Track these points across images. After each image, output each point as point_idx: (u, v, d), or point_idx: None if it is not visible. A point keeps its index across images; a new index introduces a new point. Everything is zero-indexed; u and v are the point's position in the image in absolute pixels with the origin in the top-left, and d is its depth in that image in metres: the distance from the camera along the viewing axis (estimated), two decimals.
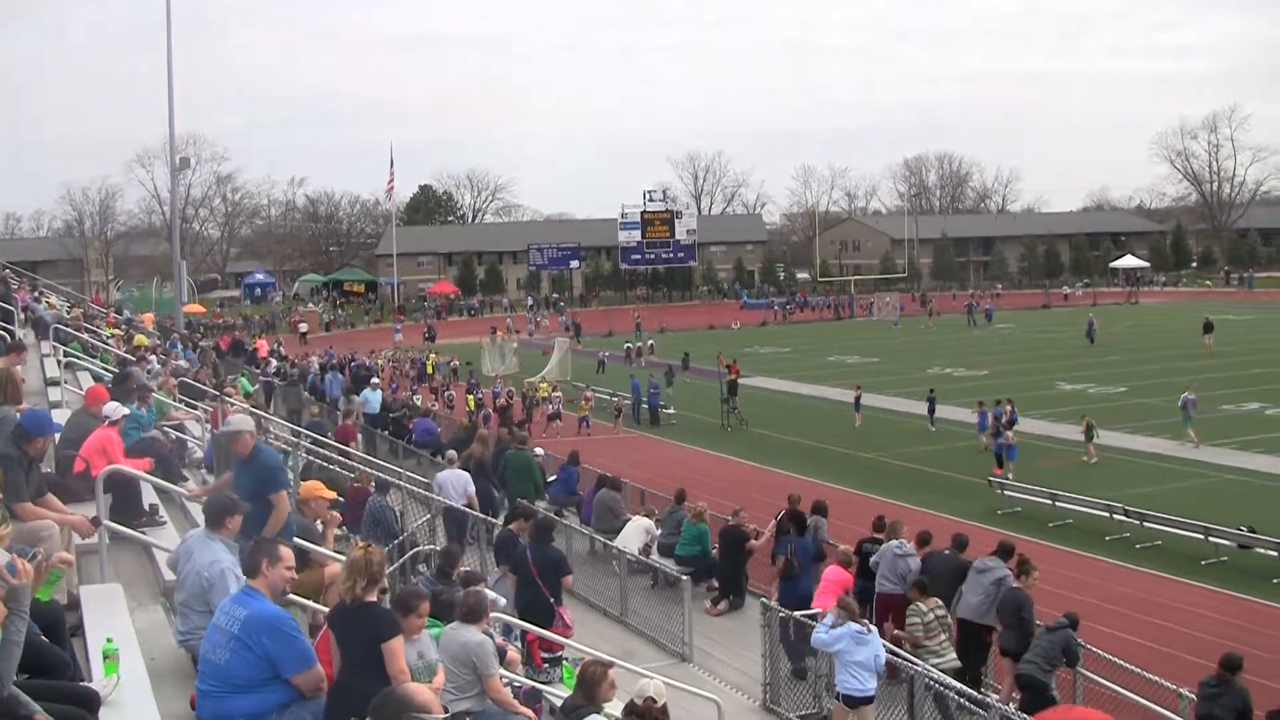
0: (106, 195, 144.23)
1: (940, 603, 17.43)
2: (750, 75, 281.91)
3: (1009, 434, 40.68)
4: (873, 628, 15.44)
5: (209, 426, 21.16)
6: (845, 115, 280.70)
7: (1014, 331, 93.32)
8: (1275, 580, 28.23)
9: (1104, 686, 16.93)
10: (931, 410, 50.94)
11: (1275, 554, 28.90)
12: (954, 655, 17.05)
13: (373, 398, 39.04)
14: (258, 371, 47.67)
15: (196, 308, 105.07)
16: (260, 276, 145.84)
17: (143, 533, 12.50)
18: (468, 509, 21.95)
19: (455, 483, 22.96)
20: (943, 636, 17.04)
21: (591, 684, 10.80)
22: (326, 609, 10.01)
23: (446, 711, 7.32)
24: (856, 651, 14.90)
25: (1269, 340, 78.96)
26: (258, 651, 7.79)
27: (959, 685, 15.11)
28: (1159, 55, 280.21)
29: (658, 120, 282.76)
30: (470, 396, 57.03)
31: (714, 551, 23.06)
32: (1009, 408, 45.60)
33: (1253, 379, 59.87)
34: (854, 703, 14.90)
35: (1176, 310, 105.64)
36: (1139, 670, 17.24)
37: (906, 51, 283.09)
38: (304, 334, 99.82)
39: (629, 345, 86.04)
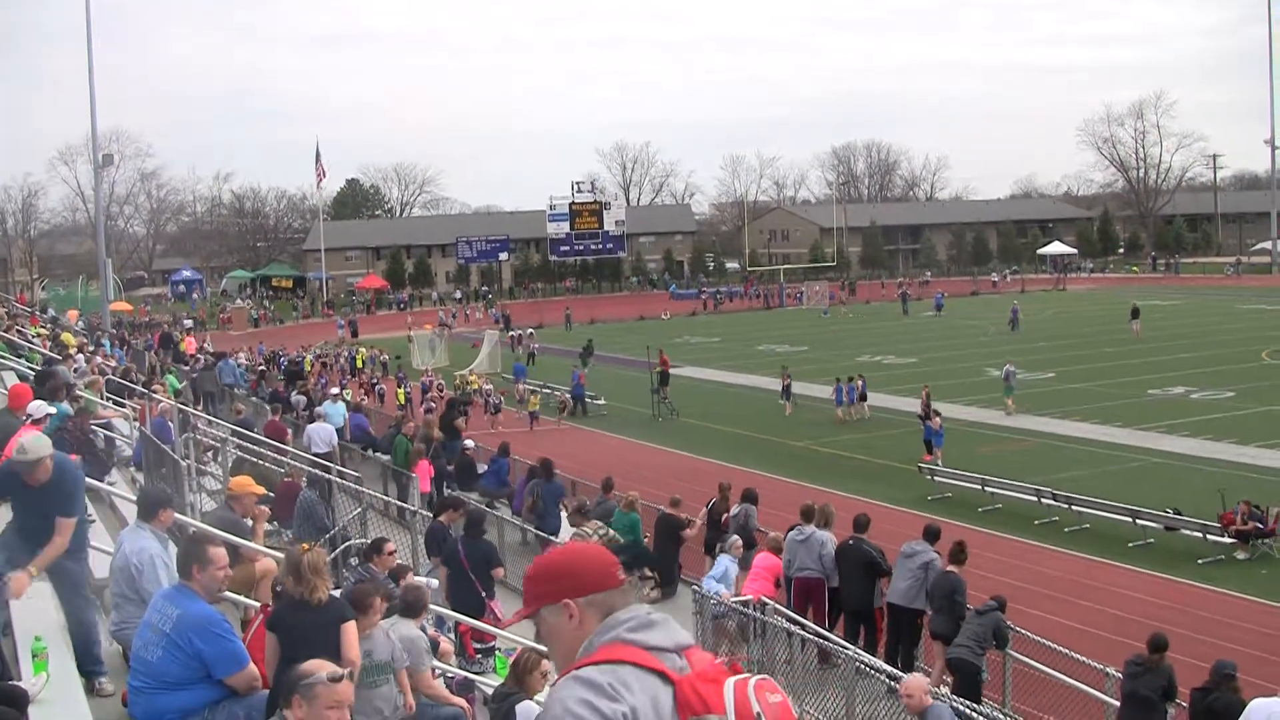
0: (29, 193, 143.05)
1: (601, 524, 19.41)
2: (678, 66, 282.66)
3: (937, 420, 40.93)
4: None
5: (137, 424, 21.03)
6: (773, 105, 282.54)
7: (942, 319, 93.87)
8: (1200, 561, 28.62)
9: (1033, 667, 17.12)
10: (786, 391, 53.98)
11: (1200, 536, 29.28)
12: None
13: (334, 411, 34.70)
14: (186, 369, 47.33)
15: (123, 306, 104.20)
16: (187, 273, 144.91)
17: None
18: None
19: (320, 434, 28.44)
20: None
21: (524, 672, 10.85)
22: (257, 604, 9.98)
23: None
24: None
25: (1194, 325, 79.97)
26: (189, 651, 7.77)
27: (889, 668, 15.24)
28: (1085, 44, 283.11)
29: (585, 112, 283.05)
30: (400, 390, 56.74)
31: (646, 539, 23.13)
32: (860, 383, 51.20)
33: (1179, 364, 60.53)
34: None
35: (1104, 296, 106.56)
36: (1067, 651, 17.44)
37: (835, 41, 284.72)
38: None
39: (513, 334, 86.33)
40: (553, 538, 22.46)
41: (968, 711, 13.19)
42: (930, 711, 12.11)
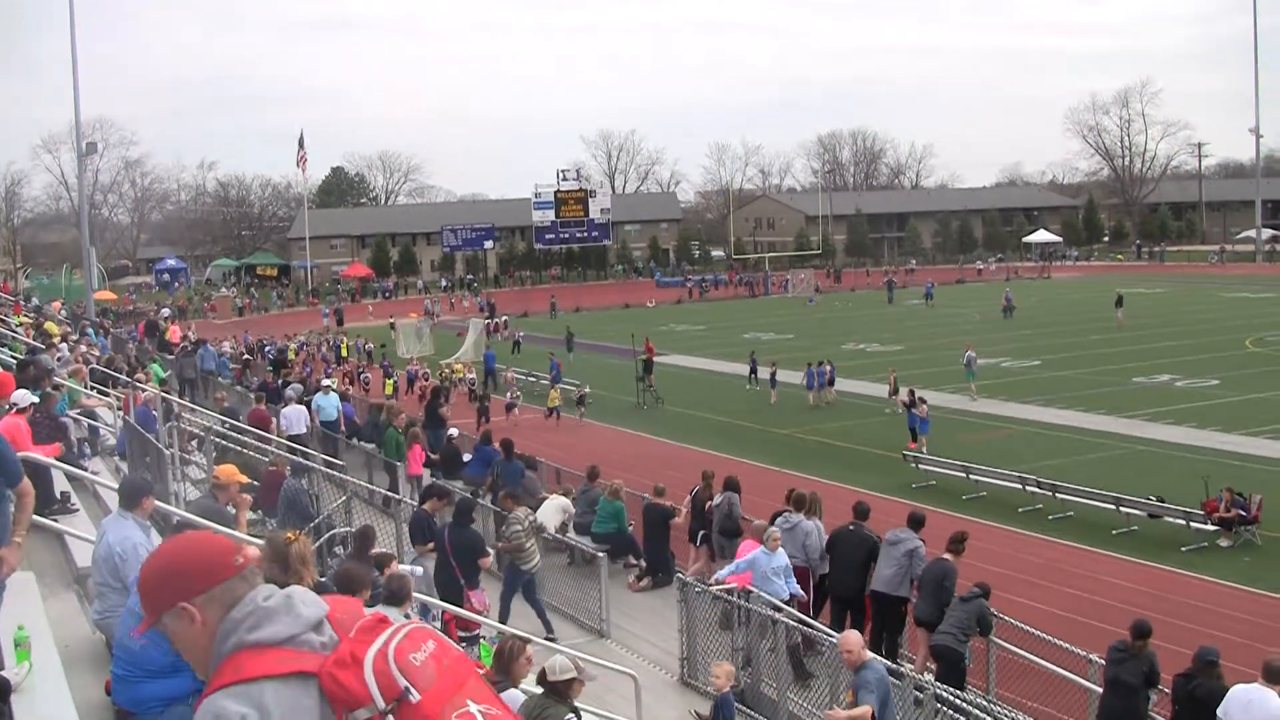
0: (12, 182, 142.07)
1: (530, 511, 19.48)
2: (663, 53, 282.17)
3: (924, 407, 41.00)
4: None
5: (121, 413, 21.00)
6: (759, 92, 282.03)
7: (928, 307, 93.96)
8: (1184, 549, 28.71)
9: (1017, 654, 17.16)
10: (753, 370, 57.25)
11: (1184, 523, 29.38)
12: (539, 559, 19.19)
13: (327, 403, 34.28)
14: (171, 357, 47.16)
15: (107, 295, 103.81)
16: (172, 262, 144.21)
17: (55, 520, 12.38)
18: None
19: (296, 416, 30.01)
20: (530, 544, 18.84)
21: (509, 659, 10.85)
22: None
23: None
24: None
25: (1179, 313, 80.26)
26: (169, 639, 7.73)
27: (872, 654, 15.26)
28: (1072, 31, 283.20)
29: (570, 99, 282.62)
30: (389, 380, 56.61)
31: (630, 528, 23.15)
32: (828, 368, 52.21)
33: (1163, 351, 60.84)
34: None
35: (1089, 284, 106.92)
36: (1051, 638, 17.46)
37: (820, 27, 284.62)
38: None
39: (486, 322, 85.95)
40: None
41: (952, 698, 13.24)
42: (866, 667, 12.74)
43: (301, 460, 23.56)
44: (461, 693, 3.26)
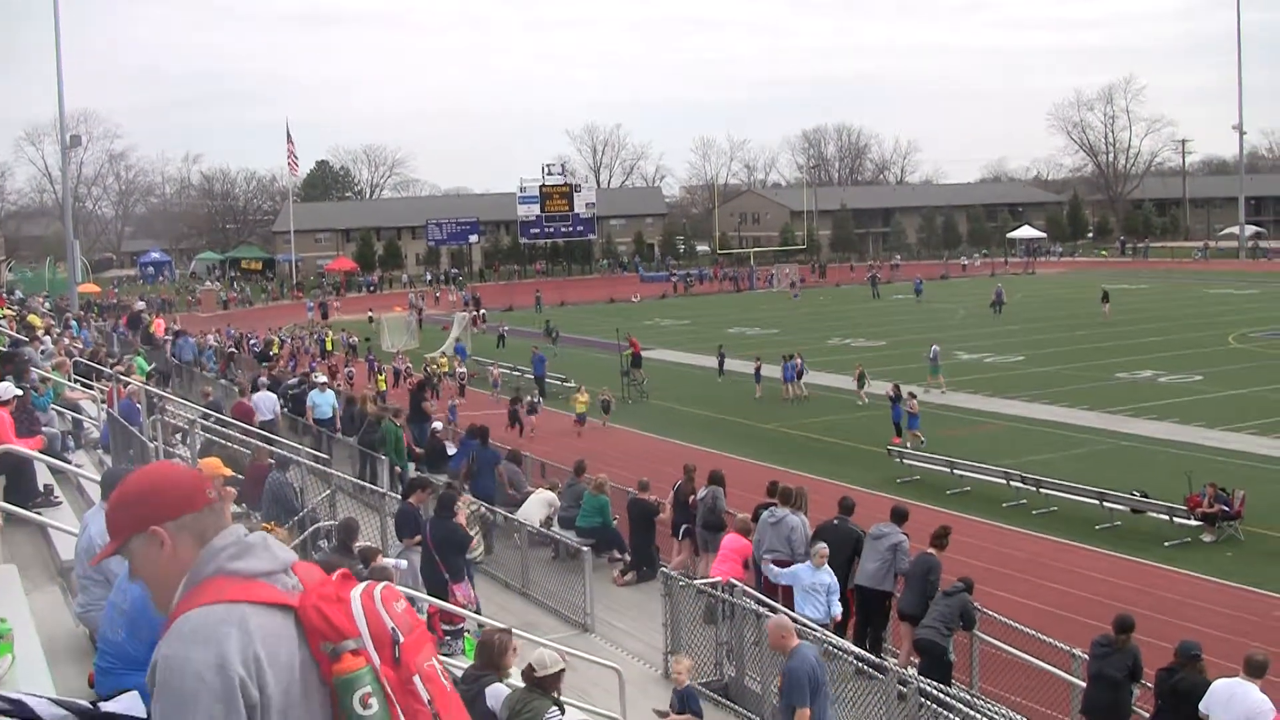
0: None
1: (473, 499, 18.93)
2: (649, 48, 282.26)
3: (914, 402, 41.06)
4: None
5: (105, 406, 20.95)
6: (744, 88, 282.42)
7: (918, 303, 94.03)
8: (1167, 544, 28.80)
9: (1000, 649, 17.19)
10: (721, 363, 58.12)
11: (1167, 518, 29.47)
12: (482, 549, 19.67)
13: (323, 401, 33.64)
14: (161, 351, 47.04)
15: (91, 288, 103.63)
16: (156, 255, 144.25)
17: (38, 513, 12.34)
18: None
19: (265, 402, 31.08)
20: (475, 533, 19.27)
21: (499, 652, 10.85)
22: None
23: None
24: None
25: (1162, 309, 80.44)
26: (148, 630, 7.73)
27: (857, 650, 15.28)
28: (1056, 28, 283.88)
29: (556, 94, 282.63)
30: (379, 376, 56.37)
31: (615, 523, 23.15)
32: (798, 361, 52.72)
33: (1147, 347, 60.93)
34: None
35: (1073, 280, 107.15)
36: (1034, 632, 17.49)
37: (805, 24, 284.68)
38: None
39: (463, 315, 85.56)
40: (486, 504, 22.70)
41: (936, 693, 13.27)
42: (796, 652, 12.78)
43: (283, 452, 23.49)
44: (428, 648, 3.40)
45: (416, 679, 3.29)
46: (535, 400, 47.60)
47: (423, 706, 3.28)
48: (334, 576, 3.38)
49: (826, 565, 16.97)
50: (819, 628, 15.70)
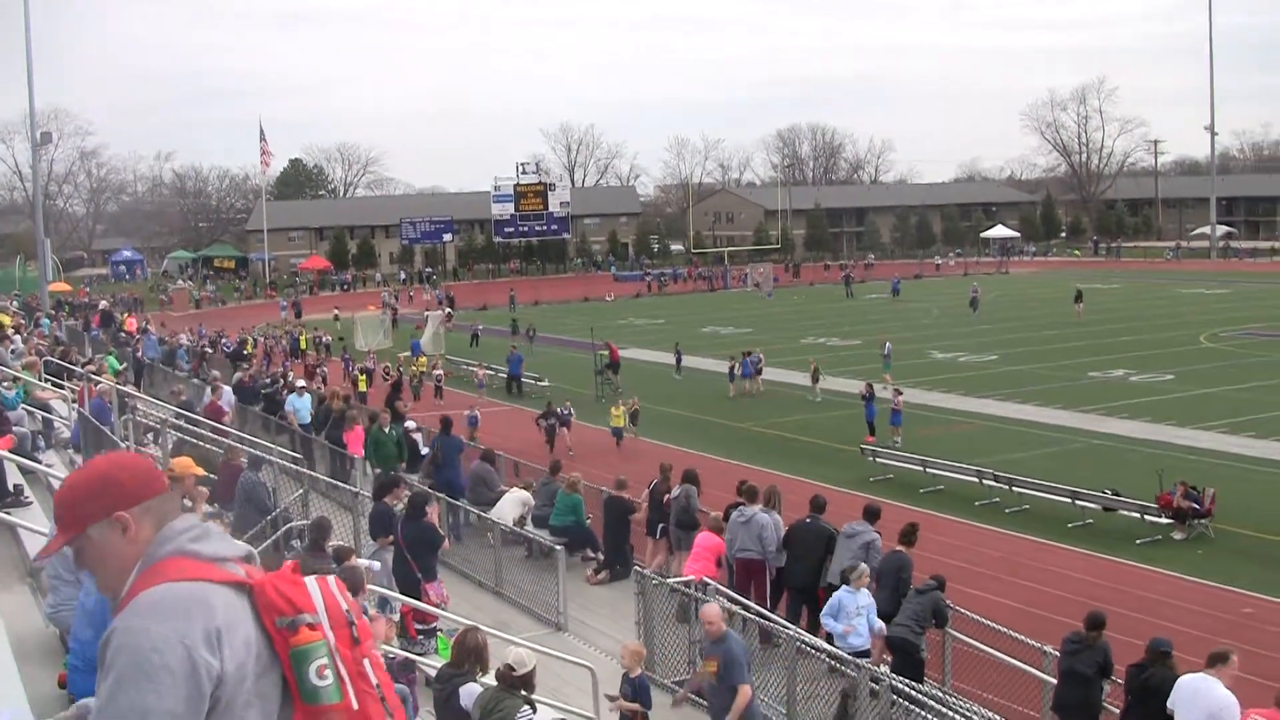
0: None
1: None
2: (624, 48, 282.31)
3: (899, 399, 41.22)
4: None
5: (75, 405, 20.90)
6: (718, 87, 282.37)
7: (886, 301, 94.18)
8: (1138, 542, 28.93)
9: (973, 646, 17.26)
10: (678, 361, 59.47)
11: (1138, 516, 29.58)
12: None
13: (301, 405, 33.41)
14: (127, 349, 46.88)
15: (62, 286, 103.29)
16: (128, 254, 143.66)
17: (7, 513, 12.32)
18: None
19: (224, 398, 32.15)
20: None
21: (479, 650, 10.89)
22: None
23: None
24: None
25: (1134, 309, 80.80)
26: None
27: (829, 647, 15.31)
28: (1029, 28, 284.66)
29: (531, 93, 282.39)
30: (362, 376, 56.10)
31: (589, 521, 23.17)
32: (759, 357, 54.25)
33: (1119, 346, 61.25)
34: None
35: (1046, 280, 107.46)
36: (1006, 630, 17.57)
37: (780, 24, 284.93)
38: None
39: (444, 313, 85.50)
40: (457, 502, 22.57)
41: (908, 690, 13.31)
42: (726, 637, 13.36)
43: (256, 452, 23.43)
44: (374, 639, 3.50)
45: (367, 663, 3.35)
46: (567, 413, 43.63)
47: (371, 689, 3.33)
48: (284, 568, 3.41)
49: (864, 588, 16.23)
50: (863, 662, 14.61)
